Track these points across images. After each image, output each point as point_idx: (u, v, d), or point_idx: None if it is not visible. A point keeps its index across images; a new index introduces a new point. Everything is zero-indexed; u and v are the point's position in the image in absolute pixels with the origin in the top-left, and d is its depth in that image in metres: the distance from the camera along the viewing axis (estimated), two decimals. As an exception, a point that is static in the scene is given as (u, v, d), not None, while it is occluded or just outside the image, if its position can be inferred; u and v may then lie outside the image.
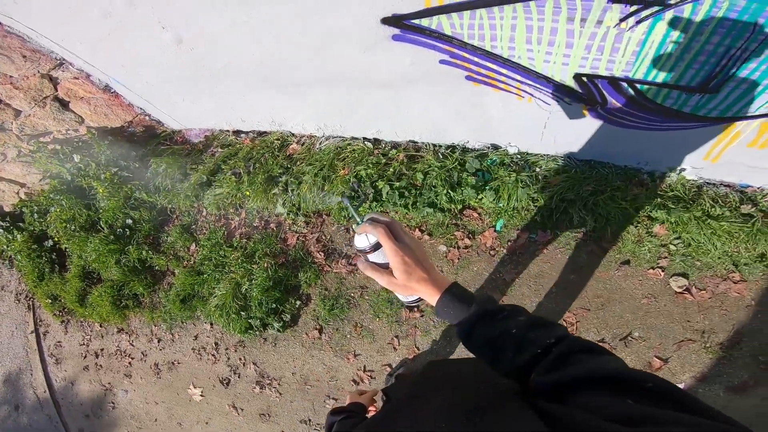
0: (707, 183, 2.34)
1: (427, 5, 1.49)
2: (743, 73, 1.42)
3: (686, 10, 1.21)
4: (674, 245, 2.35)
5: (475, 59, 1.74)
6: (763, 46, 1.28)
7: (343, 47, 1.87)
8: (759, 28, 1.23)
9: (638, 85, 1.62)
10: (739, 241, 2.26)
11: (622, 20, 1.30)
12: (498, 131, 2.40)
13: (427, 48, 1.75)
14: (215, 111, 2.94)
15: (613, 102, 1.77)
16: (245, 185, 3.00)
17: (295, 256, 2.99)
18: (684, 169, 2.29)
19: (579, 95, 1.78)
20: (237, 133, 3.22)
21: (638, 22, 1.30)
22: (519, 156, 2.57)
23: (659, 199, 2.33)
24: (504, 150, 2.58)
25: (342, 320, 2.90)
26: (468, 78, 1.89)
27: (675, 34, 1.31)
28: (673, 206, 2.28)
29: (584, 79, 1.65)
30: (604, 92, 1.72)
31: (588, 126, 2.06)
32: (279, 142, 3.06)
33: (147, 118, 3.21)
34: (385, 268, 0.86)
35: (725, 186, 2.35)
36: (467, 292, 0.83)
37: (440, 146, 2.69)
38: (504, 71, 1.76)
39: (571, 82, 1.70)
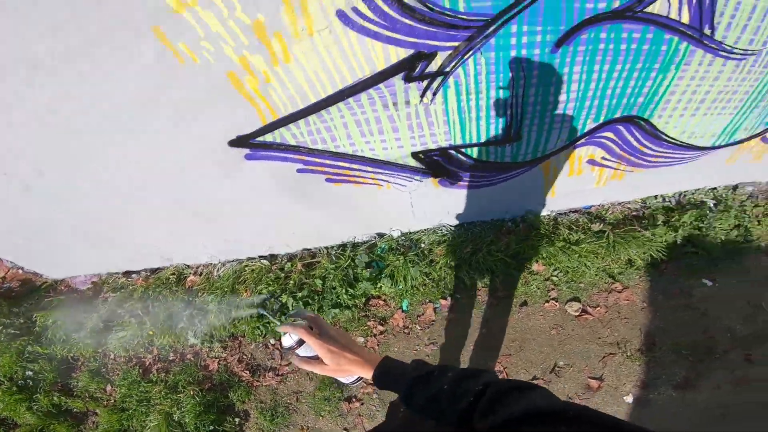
0: (559, 214, 2.68)
1: (264, 122, 1.67)
2: (534, 118, 1.77)
3: (460, 74, 1.52)
4: (555, 276, 2.57)
5: (327, 161, 1.93)
6: (536, 90, 1.63)
7: (205, 174, 1.95)
8: (526, 77, 1.58)
9: (464, 150, 1.91)
10: (604, 255, 2.54)
11: (422, 96, 1.59)
12: (376, 221, 2.57)
13: (280, 161, 1.90)
14: (95, 254, 2.79)
15: (453, 169, 2.05)
16: (148, 325, 2.80)
17: (221, 379, 2.76)
18: (536, 209, 2.63)
19: (424, 171, 2.03)
20: (128, 273, 3.05)
21: (434, 94, 1.59)
22: (404, 238, 2.75)
23: (527, 241, 2.59)
24: (389, 236, 2.75)
25: (287, 427, 2.64)
26: (328, 180, 2.07)
27: (464, 97, 1.62)
28: (539, 244, 2.54)
29: (421, 155, 1.91)
30: (442, 162, 1.99)
31: (446, 195, 2.31)
32: (175, 276, 2.94)
33: (20, 271, 2.96)
34: (316, 359, 0.94)
35: (573, 212, 2.72)
36: (397, 363, 0.91)
37: (332, 247, 2.78)
38: (355, 167, 1.97)
39: (412, 162, 1.95)
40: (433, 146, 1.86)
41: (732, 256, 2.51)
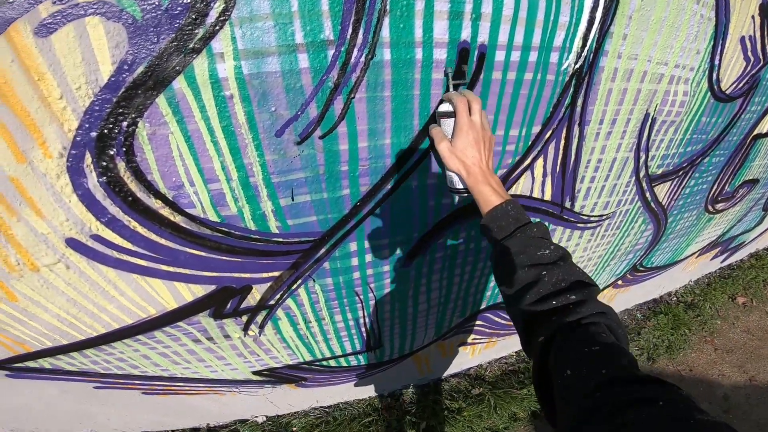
0: (439, 380, 2.09)
1: (13, 353, 0.92)
2: (395, 327, 1.24)
3: (291, 305, 0.96)
4: None
5: (136, 382, 1.17)
6: (392, 306, 1.11)
7: None
8: (377, 297, 1.06)
9: (318, 362, 1.29)
10: (488, 416, 1.97)
11: (245, 330, 0.98)
12: (228, 413, 1.73)
13: (63, 381, 1.11)
14: None
15: (311, 376, 1.39)
16: None
17: None
18: (414, 383, 2.01)
19: (275, 381, 1.35)
20: None
21: (261, 327, 0.99)
22: (270, 423, 1.90)
23: (407, 417, 1.93)
24: (252, 422, 1.88)
25: None
26: (146, 394, 1.28)
27: (302, 326, 1.04)
28: (420, 418, 1.89)
29: (265, 372, 1.24)
30: (295, 374, 1.32)
31: (310, 390, 1.61)
32: None
33: None
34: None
35: (453, 377, 2.15)
36: (524, 213, 0.60)
37: (183, 430, 1.81)
38: (180, 384, 1.22)
39: (255, 378, 1.26)
40: (277, 365, 1.21)
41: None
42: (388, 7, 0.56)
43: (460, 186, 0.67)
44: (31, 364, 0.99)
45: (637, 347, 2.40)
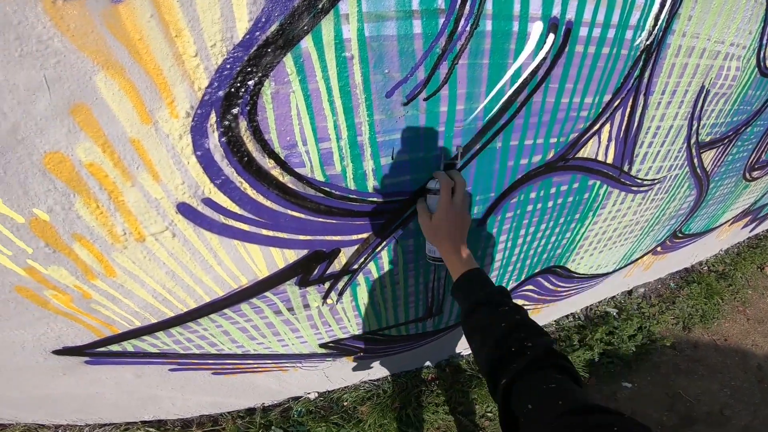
0: None
1: (99, 336, 0.92)
2: (449, 295, 1.25)
3: (372, 269, 0.96)
4: (490, 412, 1.94)
5: (209, 361, 1.18)
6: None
7: (32, 380, 1.08)
8: (435, 267, 1.07)
9: (382, 332, 1.30)
10: None
11: (324, 298, 0.98)
12: (286, 390, 1.75)
13: (142, 365, 1.12)
14: None
15: (369, 347, 1.40)
16: None
17: None
18: (460, 353, 2.04)
19: (336, 354, 1.36)
20: None
21: (340, 294, 0.99)
22: (322, 399, 1.93)
23: (456, 386, 1.97)
24: (305, 398, 1.91)
25: None
26: (215, 374, 1.29)
27: (377, 292, 1.05)
28: (468, 387, 1.93)
29: (331, 344, 1.25)
30: (357, 345, 1.34)
31: (365, 361, 1.63)
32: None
33: None
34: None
35: None
36: (488, 280, 0.69)
37: (238, 412, 1.84)
38: (250, 361, 1.23)
39: (321, 350, 1.27)
40: (344, 336, 1.22)
41: (642, 357, 2.22)
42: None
43: (436, 255, 0.79)
44: (114, 347, 0.99)
45: (672, 316, 2.44)
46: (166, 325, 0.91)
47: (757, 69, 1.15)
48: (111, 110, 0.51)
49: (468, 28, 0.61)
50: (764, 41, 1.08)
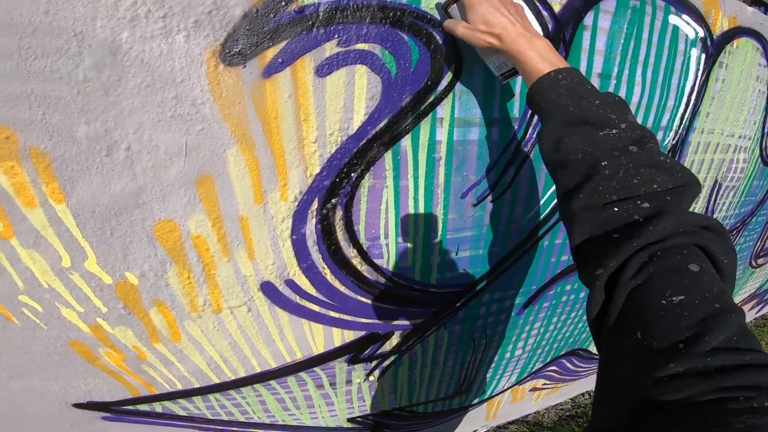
0: (498, 427, 1.99)
1: (134, 395, 0.88)
2: (487, 371, 1.21)
3: (418, 351, 0.95)
4: None
5: (234, 428, 1.11)
6: (495, 351, 1.09)
7: (36, 429, 1.00)
8: (487, 342, 1.05)
9: (410, 409, 1.24)
10: None
11: (368, 375, 0.96)
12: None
13: (162, 425, 1.05)
14: None
15: (394, 423, 1.32)
16: None
17: None
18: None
19: (360, 429, 1.28)
20: None
21: (384, 372, 0.96)
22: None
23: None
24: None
25: None
26: (234, 444, 1.21)
27: (417, 371, 1.02)
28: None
29: (359, 419, 1.19)
30: (382, 419, 1.27)
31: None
32: None
33: None
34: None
35: (511, 424, 2.04)
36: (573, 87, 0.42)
37: None
38: None
39: (347, 425, 1.21)
40: (374, 411, 1.17)
41: None
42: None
43: (508, 66, 0.51)
44: (142, 407, 0.95)
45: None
46: (206, 390, 0.88)
47: (760, 159, 1.18)
48: (232, 185, 0.53)
49: (535, 136, 0.67)
50: (766, 130, 1.12)
